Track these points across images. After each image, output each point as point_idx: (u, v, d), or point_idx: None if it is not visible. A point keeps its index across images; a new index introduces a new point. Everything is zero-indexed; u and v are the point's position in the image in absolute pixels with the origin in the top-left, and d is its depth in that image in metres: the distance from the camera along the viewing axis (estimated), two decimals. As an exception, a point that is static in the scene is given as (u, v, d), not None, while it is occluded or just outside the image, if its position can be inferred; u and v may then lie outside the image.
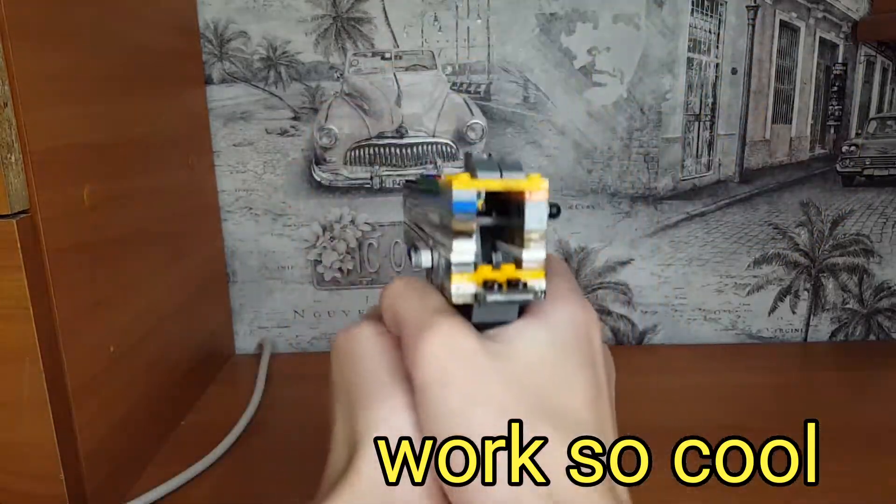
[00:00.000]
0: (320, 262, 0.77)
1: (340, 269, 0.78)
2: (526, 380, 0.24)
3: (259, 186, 0.75)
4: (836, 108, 0.73)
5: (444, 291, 0.26)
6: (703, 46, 0.71)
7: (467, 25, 0.71)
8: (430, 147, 0.74)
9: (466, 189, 0.24)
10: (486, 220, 0.27)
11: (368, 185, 0.75)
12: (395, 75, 0.72)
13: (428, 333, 0.24)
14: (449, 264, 0.25)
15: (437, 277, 0.28)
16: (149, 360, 0.56)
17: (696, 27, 0.71)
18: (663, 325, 0.79)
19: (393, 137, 0.74)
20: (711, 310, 0.78)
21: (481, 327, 0.25)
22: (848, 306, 0.78)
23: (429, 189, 0.29)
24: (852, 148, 0.74)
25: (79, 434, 0.45)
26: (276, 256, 0.77)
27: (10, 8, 0.38)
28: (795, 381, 0.69)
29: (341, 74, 0.72)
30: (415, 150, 0.74)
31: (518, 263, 0.25)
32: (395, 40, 0.72)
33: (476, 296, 0.25)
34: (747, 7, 0.70)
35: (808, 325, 0.78)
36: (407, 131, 0.73)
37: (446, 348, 0.23)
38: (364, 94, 0.73)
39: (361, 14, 0.71)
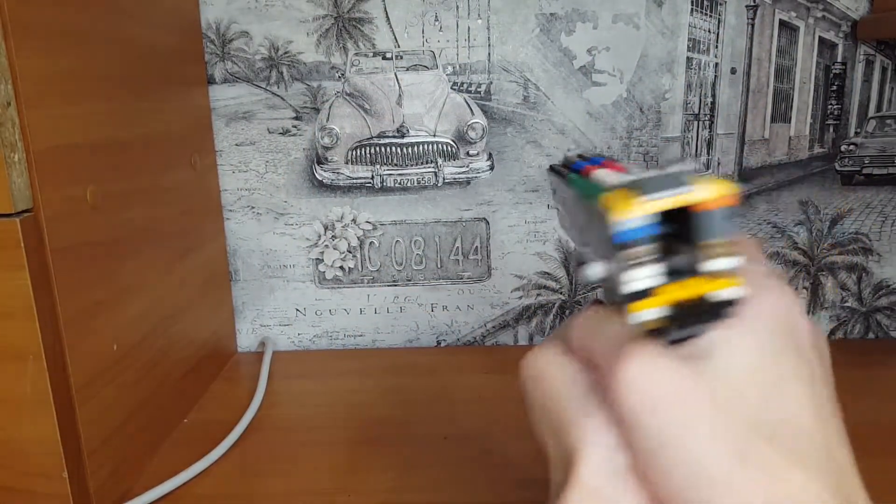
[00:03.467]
0: (322, 260, 0.78)
1: (342, 268, 0.78)
2: (738, 396, 0.22)
3: (261, 185, 0.76)
4: (835, 107, 0.73)
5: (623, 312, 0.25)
6: (702, 46, 0.72)
7: (468, 25, 0.71)
8: (430, 146, 0.74)
9: (626, 218, 0.22)
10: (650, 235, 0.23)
11: (370, 185, 0.75)
12: (396, 75, 0.73)
13: (622, 363, 0.23)
14: (624, 292, 0.23)
15: (611, 293, 0.26)
16: (152, 359, 0.56)
17: (695, 27, 0.71)
18: (663, 323, 0.79)
19: (394, 137, 0.74)
20: (711, 308, 0.78)
21: (676, 342, 0.23)
22: (847, 305, 0.78)
23: (581, 190, 0.26)
24: (851, 147, 0.74)
25: (82, 431, 0.45)
26: (277, 255, 0.78)
27: (13, 8, 0.39)
28: (794, 379, 0.69)
29: (343, 74, 0.73)
30: (416, 149, 0.74)
31: (706, 276, 0.22)
32: (396, 40, 0.72)
33: (665, 318, 0.22)
34: (747, 6, 0.71)
35: (807, 323, 0.79)
36: (408, 131, 0.74)
37: (644, 375, 0.22)
38: (365, 93, 0.73)
39: (362, 14, 0.71)
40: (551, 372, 0.27)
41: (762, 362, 0.23)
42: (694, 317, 0.22)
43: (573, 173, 0.29)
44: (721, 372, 0.22)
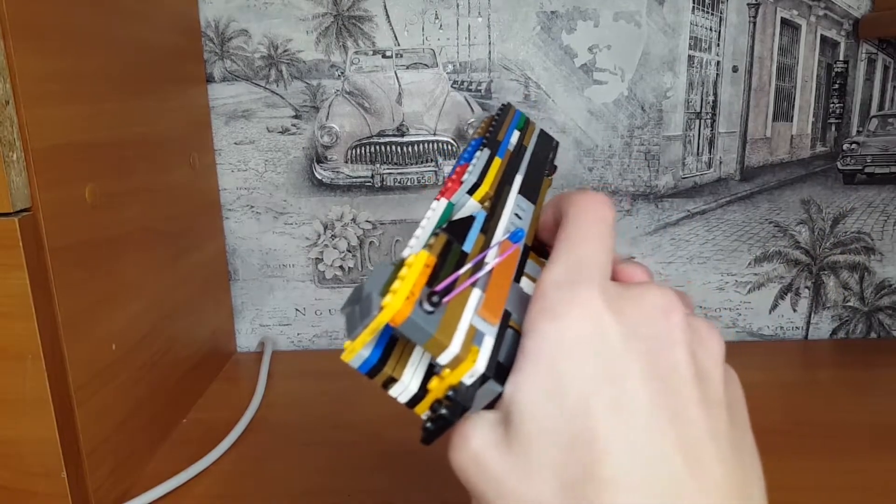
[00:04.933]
0: (321, 260, 0.77)
1: (341, 268, 0.78)
2: (545, 444, 0.22)
3: (260, 185, 0.75)
4: (837, 105, 0.73)
5: None
6: (703, 44, 0.71)
7: (468, 23, 0.71)
8: (431, 145, 0.74)
9: (353, 357, 0.23)
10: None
11: (369, 184, 0.75)
12: (395, 73, 0.73)
13: (450, 453, 0.23)
14: None
15: None
16: (151, 358, 0.56)
17: (696, 25, 0.71)
18: (664, 322, 0.79)
19: (394, 135, 0.74)
20: (712, 308, 0.78)
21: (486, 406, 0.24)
22: (849, 304, 0.78)
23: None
24: (853, 146, 0.74)
25: (81, 431, 0.45)
26: (277, 254, 0.77)
27: (11, 7, 0.38)
28: (796, 378, 0.69)
29: (342, 73, 0.73)
30: (416, 148, 0.74)
31: (439, 375, 0.23)
32: (396, 38, 0.72)
33: (440, 415, 0.24)
34: (748, 4, 0.70)
35: (808, 322, 0.78)
36: (408, 129, 0.74)
37: (463, 463, 0.23)
38: (365, 92, 0.73)
39: (362, 12, 0.71)
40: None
41: (548, 410, 0.22)
42: (462, 401, 0.23)
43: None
44: (520, 429, 0.22)
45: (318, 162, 0.75)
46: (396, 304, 0.22)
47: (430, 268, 0.24)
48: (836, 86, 0.73)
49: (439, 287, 0.23)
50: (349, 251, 0.77)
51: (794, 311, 0.78)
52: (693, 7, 0.70)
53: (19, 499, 0.44)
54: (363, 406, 0.64)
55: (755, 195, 0.75)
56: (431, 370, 0.24)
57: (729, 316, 0.78)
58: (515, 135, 0.37)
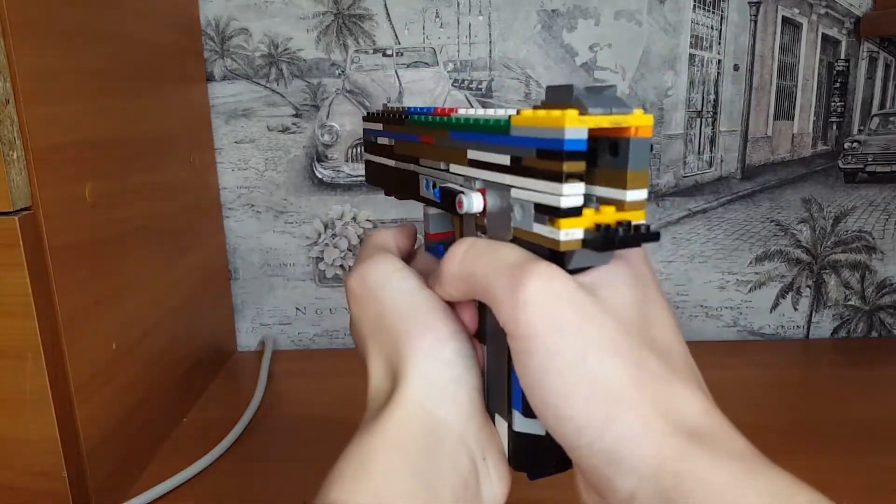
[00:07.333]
0: (322, 259, 0.77)
1: (342, 266, 0.78)
2: (627, 319, 0.23)
3: (261, 183, 0.75)
4: (838, 104, 0.73)
5: (516, 239, 0.25)
6: (704, 43, 0.71)
7: (469, 22, 0.71)
8: (431, 144, 0.74)
9: (579, 127, 0.22)
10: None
11: (370, 182, 0.75)
12: (396, 72, 0.72)
13: (529, 281, 0.23)
14: (545, 208, 0.23)
15: (498, 224, 0.26)
16: (151, 357, 0.56)
17: (698, 23, 0.71)
18: (665, 321, 0.78)
19: (394, 134, 0.74)
20: (713, 307, 0.78)
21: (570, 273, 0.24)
22: (850, 303, 0.78)
23: (477, 125, 0.27)
24: (854, 144, 0.74)
25: (81, 431, 0.45)
26: (277, 253, 0.77)
27: (11, 5, 0.38)
28: (797, 378, 0.68)
29: (343, 71, 0.72)
30: (416, 147, 0.74)
31: (619, 205, 0.23)
32: (397, 37, 0.72)
33: (585, 241, 0.23)
34: (749, 3, 0.70)
35: (809, 321, 0.78)
36: (408, 128, 0.73)
37: (552, 294, 0.23)
38: (365, 90, 0.73)
39: (363, 11, 0.71)
40: (392, 285, 0.29)
41: (642, 294, 0.25)
42: (602, 243, 0.23)
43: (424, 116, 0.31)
44: (612, 299, 0.24)
45: (319, 161, 0.75)
46: (646, 120, 0.22)
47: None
48: (838, 84, 0.73)
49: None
50: (350, 250, 0.77)
51: (795, 309, 0.78)
52: (694, 5, 0.70)
53: (20, 498, 0.44)
54: (364, 406, 0.64)
55: (756, 194, 0.75)
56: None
57: (730, 315, 0.78)
58: None
